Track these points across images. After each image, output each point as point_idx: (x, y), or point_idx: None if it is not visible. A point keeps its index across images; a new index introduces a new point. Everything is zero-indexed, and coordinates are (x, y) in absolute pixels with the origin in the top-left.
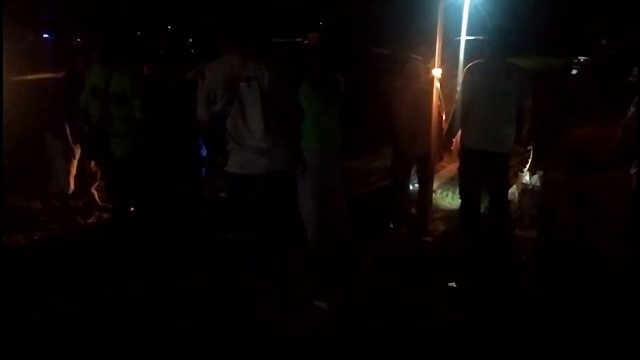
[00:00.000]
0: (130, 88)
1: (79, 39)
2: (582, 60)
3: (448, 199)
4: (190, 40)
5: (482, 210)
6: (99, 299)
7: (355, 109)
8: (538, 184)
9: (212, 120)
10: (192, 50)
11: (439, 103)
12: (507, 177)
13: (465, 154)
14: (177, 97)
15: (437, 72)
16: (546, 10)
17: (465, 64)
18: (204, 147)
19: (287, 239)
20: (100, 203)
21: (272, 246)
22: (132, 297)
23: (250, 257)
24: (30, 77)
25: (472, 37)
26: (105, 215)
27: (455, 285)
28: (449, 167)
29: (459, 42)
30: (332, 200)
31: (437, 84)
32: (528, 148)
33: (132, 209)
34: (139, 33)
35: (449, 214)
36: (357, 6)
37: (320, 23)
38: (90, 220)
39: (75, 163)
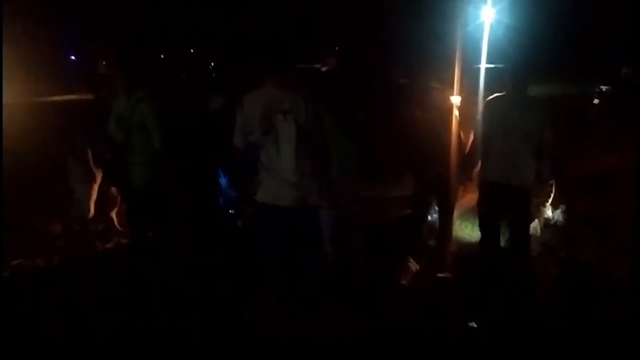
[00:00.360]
0: (150, 119)
1: (105, 63)
2: (604, 89)
3: (467, 230)
4: (212, 64)
5: (502, 245)
6: (114, 324)
7: (375, 136)
8: (561, 219)
9: (248, 148)
10: (214, 75)
11: (459, 132)
12: (529, 211)
13: (485, 187)
14: (197, 126)
15: (455, 100)
16: (566, 36)
17: (485, 91)
18: (222, 176)
19: (308, 270)
20: (119, 228)
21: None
22: (146, 324)
23: (268, 288)
24: (55, 98)
25: (492, 65)
26: (123, 241)
27: (475, 326)
28: (469, 197)
29: (479, 69)
30: (347, 230)
31: (455, 112)
32: (550, 182)
33: (149, 235)
34: (162, 56)
35: (469, 246)
36: (375, 32)
37: (336, 48)
38: (108, 245)
39: (96, 187)
